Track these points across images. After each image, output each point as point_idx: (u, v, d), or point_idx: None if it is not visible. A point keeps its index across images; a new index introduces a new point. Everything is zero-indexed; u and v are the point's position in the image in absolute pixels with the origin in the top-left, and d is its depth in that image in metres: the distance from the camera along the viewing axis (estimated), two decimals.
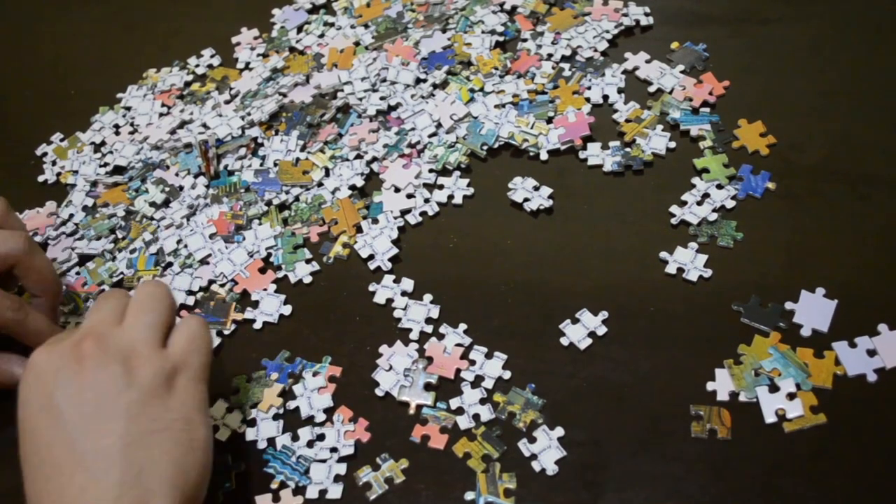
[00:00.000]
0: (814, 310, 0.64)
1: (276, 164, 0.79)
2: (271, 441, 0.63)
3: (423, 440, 0.62)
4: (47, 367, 0.54)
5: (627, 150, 0.75)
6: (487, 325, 0.67)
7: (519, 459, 0.60)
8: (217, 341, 0.69)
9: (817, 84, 0.77)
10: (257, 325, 0.70)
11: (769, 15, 0.83)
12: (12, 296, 0.65)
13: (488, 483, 0.59)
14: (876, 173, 0.71)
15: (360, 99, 0.81)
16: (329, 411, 0.64)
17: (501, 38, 0.84)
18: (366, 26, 0.88)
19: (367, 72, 0.83)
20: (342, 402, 0.65)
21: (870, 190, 0.70)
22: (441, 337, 0.67)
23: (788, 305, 0.64)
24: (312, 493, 0.60)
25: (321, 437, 0.63)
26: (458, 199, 0.75)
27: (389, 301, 0.69)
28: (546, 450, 0.60)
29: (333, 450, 0.62)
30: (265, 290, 0.72)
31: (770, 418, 0.59)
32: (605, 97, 0.79)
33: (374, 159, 0.78)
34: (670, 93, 0.78)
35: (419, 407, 0.64)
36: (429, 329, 0.67)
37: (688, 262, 0.68)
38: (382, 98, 0.81)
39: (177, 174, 0.81)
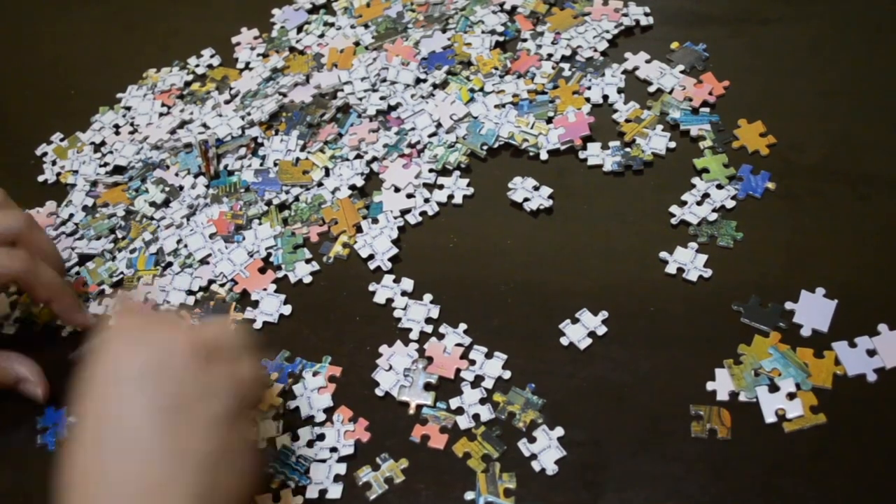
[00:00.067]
0: (814, 310, 0.64)
1: (276, 164, 0.79)
2: (271, 441, 0.63)
3: (423, 440, 0.62)
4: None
5: (627, 150, 0.75)
6: (487, 324, 0.67)
7: (519, 459, 0.60)
8: None
9: (817, 84, 0.77)
10: (257, 325, 0.70)
11: (769, 15, 0.83)
12: (20, 251, 0.66)
13: (488, 483, 0.59)
14: (876, 173, 0.71)
15: (360, 99, 0.81)
16: (329, 411, 0.64)
17: (501, 38, 0.84)
18: (366, 26, 0.88)
19: (367, 72, 0.83)
20: (342, 402, 0.65)
21: (870, 190, 0.70)
22: (441, 337, 0.67)
23: (788, 305, 0.64)
24: (312, 492, 0.60)
25: (321, 437, 0.63)
26: (457, 199, 0.75)
27: (389, 301, 0.69)
28: (546, 450, 0.60)
29: (333, 450, 0.62)
30: (265, 289, 0.72)
31: (770, 418, 0.59)
32: (605, 97, 0.79)
33: (374, 159, 0.78)
34: (670, 93, 0.78)
35: (419, 407, 0.64)
36: (429, 329, 0.67)
37: (688, 262, 0.68)
38: (382, 98, 0.81)
39: (177, 174, 0.81)
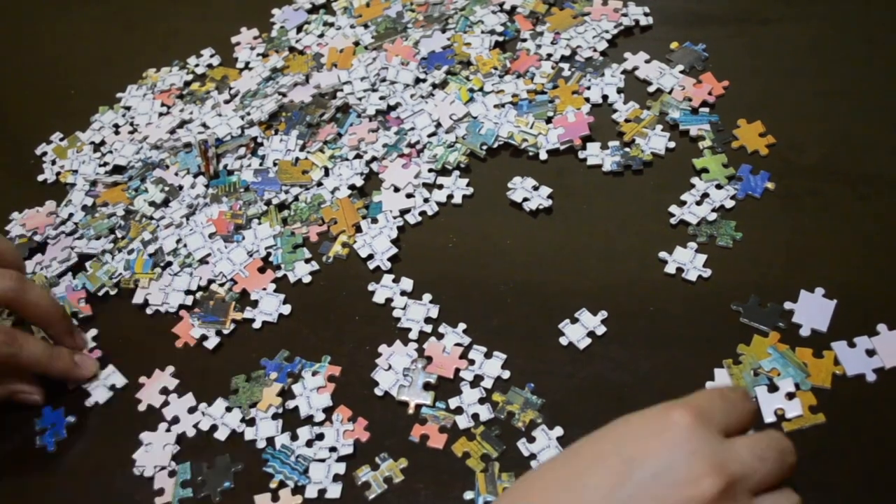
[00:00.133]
0: (813, 310, 0.64)
1: (275, 164, 0.79)
2: (270, 440, 0.63)
3: (422, 440, 0.62)
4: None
5: (627, 149, 0.75)
6: (486, 324, 0.67)
7: (518, 459, 0.60)
8: (216, 341, 0.70)
9: (817, 84, 0.77)
10: (257, 325, 0.70)
11: (769, 15, 0.83)
12: (5, 328, 0.65)
13: (487, 482, 0.59)
14: (876, 173, 0.71)
15: (360, 99, 0.81)
16: (328, 411, 0.64)
17: (501, 38, 0.84)
18: (365, 26, 0.88)
19: (366, 72, 0.83)
20: (341, 402, 0.65)
21: (869, 190, 0.70)
22: (440, 336, 0.67)
23: (787, 305, 0.64)
24: (311, 492, 0.60)
25: (320, 437, 0.63)
26: (457, 199, 0.75)
27: (389, 301, 0.69)
28: (545, 449, 0.60)
29: (332, 449, 0.62)
30: (264, 289, 0.72)
31: (769, 418, 0.59)
32: (605, 97, 0.79)
33: (374, 159, 0.78)
34: (670, 93, 0.78)
35: (418, 406, 0.64)
36: (428, 329, 0.67)
37: (687, 261, 0.67)
38: (382, 98, 0.81)
39: (176, 174, 0.81)
